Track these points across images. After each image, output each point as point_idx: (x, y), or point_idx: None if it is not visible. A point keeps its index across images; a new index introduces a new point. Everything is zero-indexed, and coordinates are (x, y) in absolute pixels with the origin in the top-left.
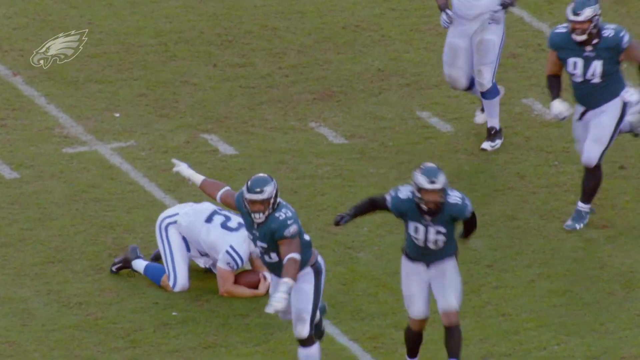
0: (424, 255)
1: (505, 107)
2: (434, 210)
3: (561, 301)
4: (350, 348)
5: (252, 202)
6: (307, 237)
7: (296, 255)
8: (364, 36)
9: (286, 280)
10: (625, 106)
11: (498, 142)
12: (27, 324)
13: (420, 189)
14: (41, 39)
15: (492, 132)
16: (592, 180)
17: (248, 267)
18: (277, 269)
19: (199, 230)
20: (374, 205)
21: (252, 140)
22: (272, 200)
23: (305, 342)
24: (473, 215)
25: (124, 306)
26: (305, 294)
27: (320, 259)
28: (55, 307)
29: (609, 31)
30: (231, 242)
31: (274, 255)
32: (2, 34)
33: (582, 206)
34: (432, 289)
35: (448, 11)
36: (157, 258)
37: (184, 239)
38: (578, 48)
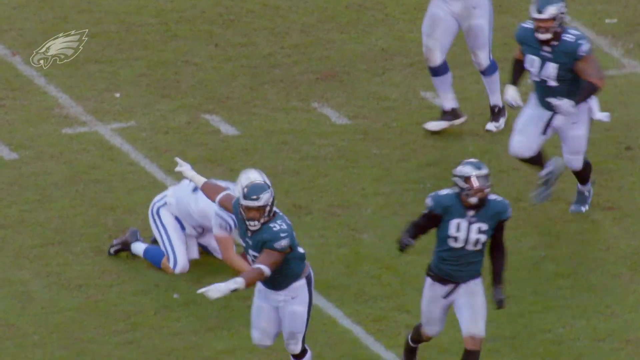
0: (455, 269)
1: None
2: (481, 201)
3: (566, 283)
4: (353, 330)
5: (248, 208)
6: (301, 250)
7: (266, 270)
8: (368, 15)
9: (239, 281)
10: (590, 110)
11: (502, 121)
12: (26, 307)
13: (467, 178)
14: (40, 18)
15: (496, 111)
16: (581, 169)
17: None
18: (267, 281)
19: (187, 202)
20: (420, 224)
21: (254, 121)
22: (267, 208)
23: (298, 355)
24: (504, 251)
25: (124, 288)
26: (299, 316)
27: (310, 268)
28: (54, 289)
29: (570, 36)
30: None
31: None
32: (1, 13)
33: (582, 188)
34: (456, 308)
35: None
36: (156, 241)
37: (177, 219)
38: (538, 46)
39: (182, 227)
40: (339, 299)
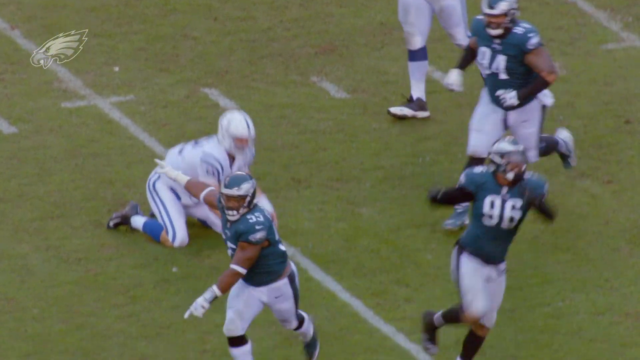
0: (490, 248)
1: None
2: (517, 176)
3: (565, 257)
4: (352, 304)
5: (228, 197)
6: (282, 247)
7: (240, 269)
8: None
9: (214, 289)
10: (544, 109)
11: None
12: (25, 280)
13: (503, 154)
14: None
15: None
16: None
17: None
18: (246, 277)
19: (176, 164)
20: (452, 194)
21: (253, 95)
22: (248, 199)
23: (297, 327)
24: (547, 205)
25: (123, 262)
26: (287, 310)
27: (293, 266)
28: (54, 263)
29: (520, 29)
30: (204, 150)
31: None
32: None
33: (559, 151)
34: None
35: None
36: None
37: (173, 190)
38: (489, 38)
39: (178, 197)
40: (338, 273)
